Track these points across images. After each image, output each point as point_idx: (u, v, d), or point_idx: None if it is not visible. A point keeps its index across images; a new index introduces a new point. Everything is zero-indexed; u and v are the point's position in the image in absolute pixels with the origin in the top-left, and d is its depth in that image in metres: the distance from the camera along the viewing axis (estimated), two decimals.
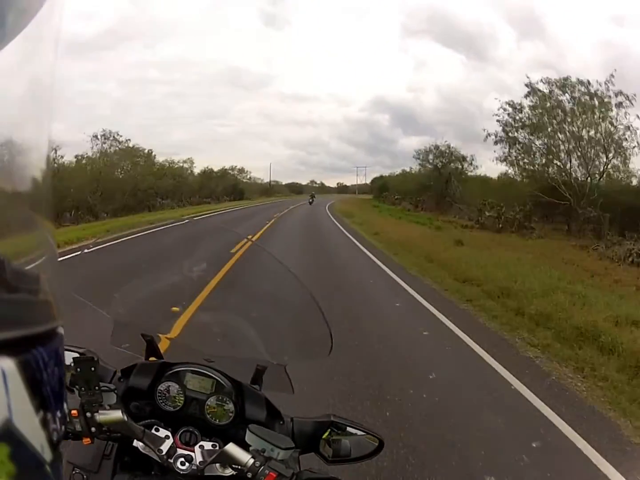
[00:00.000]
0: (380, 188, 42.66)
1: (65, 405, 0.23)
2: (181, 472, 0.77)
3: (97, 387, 0.73)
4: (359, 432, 0.87)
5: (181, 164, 33.70)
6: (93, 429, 0.74)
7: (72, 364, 0.72)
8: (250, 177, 50.63)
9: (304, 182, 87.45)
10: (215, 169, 40.53)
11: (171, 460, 0.78)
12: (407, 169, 36.22)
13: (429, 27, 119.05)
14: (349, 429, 0.87)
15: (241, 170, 46.44)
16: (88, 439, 0.75)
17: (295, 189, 77.87)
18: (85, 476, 0.83)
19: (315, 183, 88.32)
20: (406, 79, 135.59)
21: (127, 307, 1.07)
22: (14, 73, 0.22)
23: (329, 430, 0.87)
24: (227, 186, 38.95)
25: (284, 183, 75.57)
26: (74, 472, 0.83)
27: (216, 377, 0.89)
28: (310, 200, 35.03)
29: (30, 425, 0.19)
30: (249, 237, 7.45)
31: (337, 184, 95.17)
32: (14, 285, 0.20)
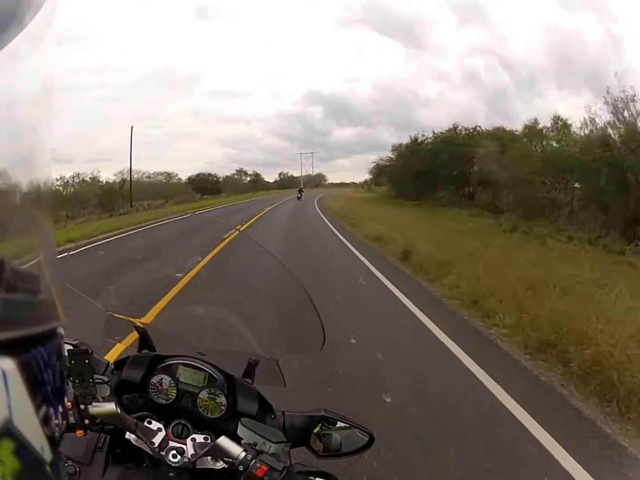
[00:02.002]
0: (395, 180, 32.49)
1: (65, 405, 0.23)
2: (173, 465, 0.78)
3: (90, 380, 0.73)
4: (350, 427, 0.89)
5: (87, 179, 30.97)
6: (86, 421, 0.74)
7: (66, 356, 0.72)
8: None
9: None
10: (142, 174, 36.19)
11: (163, 453, 0.79)
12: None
13: (365, 17, 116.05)
14: (339, 423, 0.88)
15: (170, 175, 41.09)
16: (81, 431, 0.75)
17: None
18: (77, 468, 0.84)
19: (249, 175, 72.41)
20: (341, 70, 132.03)
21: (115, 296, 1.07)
22: (14, 73, 0.21)
23: (320, 424, 0.88)
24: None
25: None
26: (66, 465, 0.84)
27: (208, 370, 0.90)
28: (299, 196, 32.53)
29: (30, 425, 0.19)
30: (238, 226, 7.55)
31: (279, 174, 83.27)
32: (14, 285, 0.20)
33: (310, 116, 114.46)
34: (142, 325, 0.99)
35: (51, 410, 0.21)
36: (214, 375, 0.89)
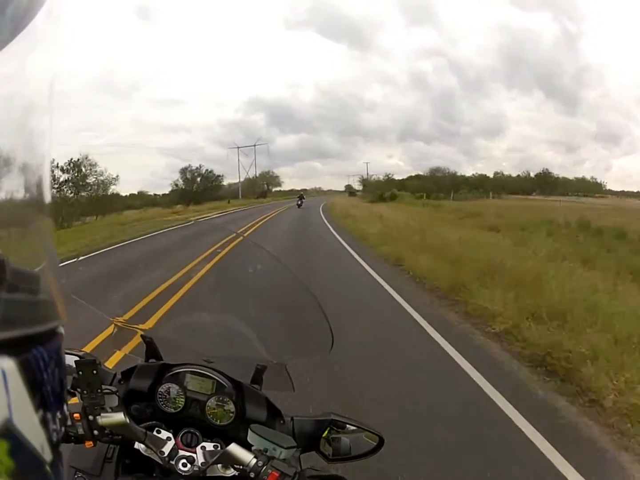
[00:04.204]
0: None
1: (65, 406, 0.23)
2: (183, 474, 0.77)
3: (99, 390, 0.73)
4: (359, 430, 0.88)
5: None
6: (95, 432, 0.74)
7: (74, 367, 0.72)
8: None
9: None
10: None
11: (173, 462, 0.78)
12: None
13: (310, 18, 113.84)
14: (348, 426, 0.87)
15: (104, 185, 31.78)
16: (90, 442, 0.75)
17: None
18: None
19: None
20: (284, 75, 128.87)
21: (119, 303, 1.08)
22: (14, 73, 0.22)
23: (329, 428, 0.87)
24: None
25: (161, 194, 54.20)
26: (76, 476, 0.83)
27: (216, 378, 0.89)
28: (299, 202, 30.37)
29: (30, 425, 0.19)
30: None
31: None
32: (14, 285, 0.20)
33: (252, 123, 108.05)
34: (147, 334, 0.99)
35: (51, 410, 0.21)
36: (221, 382, 0.89)
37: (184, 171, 46.43)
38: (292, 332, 1.08)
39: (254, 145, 61.36)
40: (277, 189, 70.86)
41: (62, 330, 0.23)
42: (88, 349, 3.05)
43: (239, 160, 60.77)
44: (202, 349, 1.02)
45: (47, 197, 0.23)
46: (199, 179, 48.53)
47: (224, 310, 1.09)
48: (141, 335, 0.98)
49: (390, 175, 63.67)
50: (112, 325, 1.04)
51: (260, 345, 0.99)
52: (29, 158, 0.22)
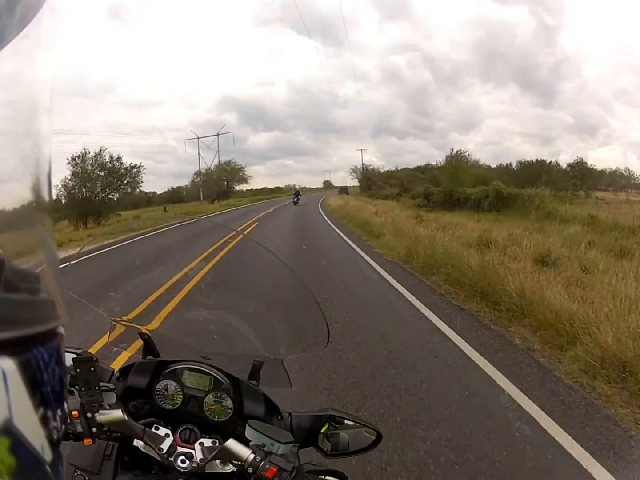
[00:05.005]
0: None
1: (65, 405, 0.23)
2: (182, 470, 0.78)
3: (97, 387, 0.73)
4: (357, 425, 0.88)
5: None
6: (94, 429, 0.74)
7: (72, 365, 0.72)
8: None
9: (159, 192, 54.08)
10: None
11: (171, 459, 0.78)
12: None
13: (284, 15, 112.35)
14: (346, 422, 0.88)
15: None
16: (89, 440, 0.75)
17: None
18: (86, 477, 0.83)
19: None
20: (257, 73, 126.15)
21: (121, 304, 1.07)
22: (13, 74, 0.21)
23: (327, 424, 0.87)
24: None
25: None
26: (75, 474, 0.83)
27: (214, 374, 0.90)
28: (295, 200, 29.22)
29: (30, 425, 0.19)
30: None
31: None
32: (14, 285, 0.20)
33: (224, 122, 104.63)
34: (145, 332, 0.99)
35: (52, 409, 0.21)
36: (219, 378, 0.89)
37: (76, 163, 24.18)
38: (288, 328, 1.08)
39: (217, 135, 46.86)
40: (244, 187, 53.69)
41: (62, 330, 0.23)
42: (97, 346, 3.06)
43: (199, 153, 47.80)
44: (200, 345, 1.02)
45: (48, 196, 0.23)
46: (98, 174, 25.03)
47: (221, 307, 1.10)
48: (139, 333, 0.98)
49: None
50: (112, 325, 1.04)
51: (257, 342, 0.99)
52: (30, 157, 0.22)
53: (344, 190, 52.62)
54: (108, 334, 1.04)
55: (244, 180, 48.60)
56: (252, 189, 56.98)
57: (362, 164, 54.01)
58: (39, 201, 0.22)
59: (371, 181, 47.04)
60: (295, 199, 29.74)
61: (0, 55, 0.20)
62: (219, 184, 44.52)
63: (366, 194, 42.10)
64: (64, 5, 0.23)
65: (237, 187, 50.52)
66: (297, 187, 65.47)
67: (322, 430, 0.87)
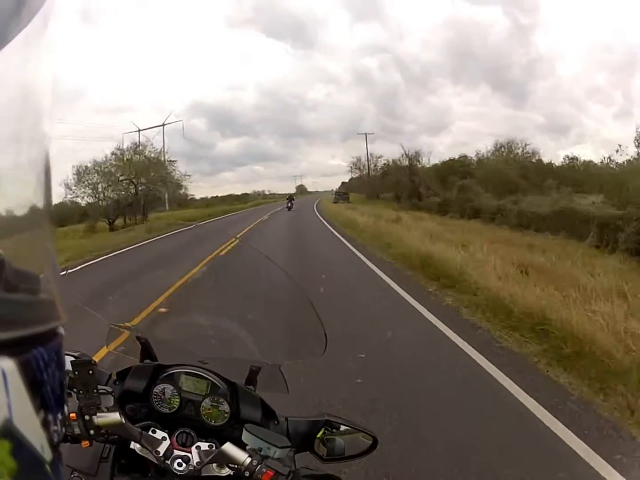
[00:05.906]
0: None
1: (65, 405, 0.23)
2: (178, 473, 0.78)
3: (95, 390, 0.73)
4: (353, 431, 0.88)
5: None
6: (91, 432, 0.74)
7: (70, 368, 0.72)
8: None
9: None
10: None
11: (168, 462, 0.78)
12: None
13: (254, 16, 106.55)
14: (342, 427, 0.88)
15: None
16: (87, 442, 0.75)
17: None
18: (83, 479, 0.83)
19: None
20: (226, 76, 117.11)
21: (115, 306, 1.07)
22: (13, 74, 0.21)
23: (323, 429, 0.87)
24: None
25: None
26: (72, 476, 0.83)
27: (211, 379, 0.90)
28: (289, 205, 27.84)
29: (30, 425, 0.19)
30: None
31: None
32: (14, 285, 0.20)
33: (193, 128, 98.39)
34: (143, 336, 0.99)
35: (52, 410, 0.21)
36: (216, 383, 0.89)
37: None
38: (286, 334, 1.08)
39: (163, 125, 34.06)
40: (189, 194, 36.09)
41: (62, 330, 0.23)
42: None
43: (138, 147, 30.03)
44: (197, 349, 1.02)
45: (48, 198, 0.23)
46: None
47: (220, 312, 1.10)
48: (136, 337, 0.98)
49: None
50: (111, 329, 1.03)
51: (254, 347, 0.99)
52: (29, 158, 0.22)
53: (342, 196, 38.90)
54: (107, 337, 1.04)
55: (178, 186, 28.98)
56: (204, 198, 45.88)
57: (368, 155, 39.98)
58: (40, 202, 0.22)
59: (417, 182, 28.06)
60: (289, 204, 28.27)
61: (0, 55, 0.20)
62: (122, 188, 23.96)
63: (396, 205, 27.06)
64: (64, 5, 0.23)
65: (192, 194, 37.20)
66: (267, 192, 69.04)
67: (318, 435, 0.87)
